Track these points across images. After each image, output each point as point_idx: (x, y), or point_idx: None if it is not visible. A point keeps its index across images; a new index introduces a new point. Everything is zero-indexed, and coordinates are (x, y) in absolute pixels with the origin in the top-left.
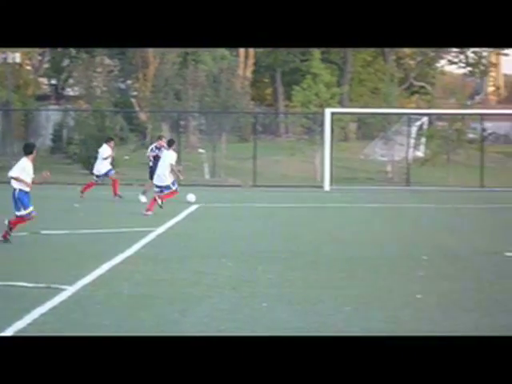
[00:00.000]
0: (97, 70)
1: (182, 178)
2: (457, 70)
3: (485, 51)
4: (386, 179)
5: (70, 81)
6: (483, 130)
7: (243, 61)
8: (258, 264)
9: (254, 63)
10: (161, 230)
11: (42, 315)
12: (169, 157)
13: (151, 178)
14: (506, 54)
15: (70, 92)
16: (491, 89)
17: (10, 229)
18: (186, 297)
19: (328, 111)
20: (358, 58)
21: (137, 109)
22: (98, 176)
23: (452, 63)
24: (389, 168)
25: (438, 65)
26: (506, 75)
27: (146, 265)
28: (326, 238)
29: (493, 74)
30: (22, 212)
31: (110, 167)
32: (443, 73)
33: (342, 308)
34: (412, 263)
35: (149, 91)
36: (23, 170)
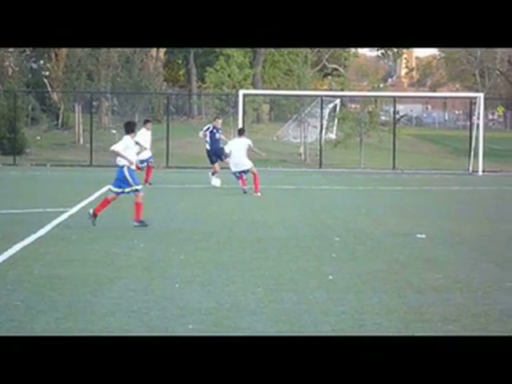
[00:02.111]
0: (8, 50)
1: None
2: (370, 52)
3: None
4: (299, 161)
5: None
6: (395, 112)
7: None
8: (170, 245)
9: None
10: (73, 210)
11: None
12: (245, 144)
13: (212, 161)
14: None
15: None
16: (404, 71)
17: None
18: (98, 278)
19: (241, 92)
20: None
21: (49, 89)
22: (141, 162)
23: None
24: (301, 150)
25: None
26: (418, 58)
27: (57, 245)
28: (238, 219)
29: (405, 56)
30: (131, 187)
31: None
32: (356, 55)
33: (254, 289)
34: (324, 245)
35: (61, 71)
36: (127, 147)
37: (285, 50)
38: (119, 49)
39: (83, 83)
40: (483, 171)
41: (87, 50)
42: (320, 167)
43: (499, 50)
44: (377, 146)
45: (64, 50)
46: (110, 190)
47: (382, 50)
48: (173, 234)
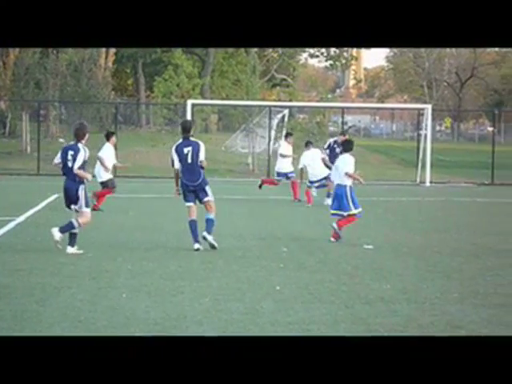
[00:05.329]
0: None
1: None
2: (318, 63)
3: None
4: (247, 171)
5: None
6: (344, 123)
7: (105, 51)
8: (117, 255)
9: (115, 53)
10: (21, 219)
11: None
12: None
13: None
14: (367, 48)
15: None
16: (352, 82)
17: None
18: (45, 287)
19: (189, 102)
20: (219, 49)
21: None
22: (278, 174)
23: (313, 56)
24: (250, 160)
25: (300, 57)
26: (366, 69)
27: (4, 254)
28: (186, 228)
29: (354, 67)
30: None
31: (291, 168)
32: (305, 66)
33: (201, 299)
34: (272, 255)
35: (9, 80)
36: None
37: (233, 61)
38: (67, 57)
39: (31, 92)
40: (431, 182)
41: (35, 58)
42: (268, 177)
43: (447, 62)
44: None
45: (12, 58)
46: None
47: (331, 61)
48: (120, 243)
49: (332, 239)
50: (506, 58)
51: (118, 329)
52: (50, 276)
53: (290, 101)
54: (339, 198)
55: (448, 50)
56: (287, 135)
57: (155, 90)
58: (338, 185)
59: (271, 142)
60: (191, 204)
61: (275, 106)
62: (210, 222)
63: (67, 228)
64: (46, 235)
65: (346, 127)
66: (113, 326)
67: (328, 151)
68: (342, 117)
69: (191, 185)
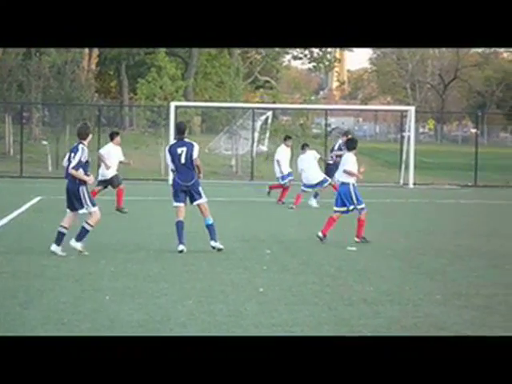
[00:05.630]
0: None
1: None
2: (302, 65)
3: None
4: (231, 173)
5: None
6: (327, 125)
7: (88, 53)
8: (100, 257)
9: (98, 55)
10: (4, 221)
11: None
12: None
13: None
14: (350, 50)
15: None
16: (335, 84)
17: None
18: (28, 290)
19: (173, 104)
20: (203, 51)
21: None
22: (282, 178)
23: (297, 58)
24: (233, 162)
25: (283, 59)
26: (349, 71)
27: None
28: (169, 231)
29: (337, 69)
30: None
31: (289, 169)
32: (288, 68)
33: (184, 301)
34: (256, 257)
35: None
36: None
37: (216, 63)
38: (50, 59)
39: (14, 94)
40: (414, 184)
41: (18, 60)
42: (251, 179)
43: (430, 64)
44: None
45: None
46: None
47: (314, 63)
48: (103, 245)
49: (356, 239)
50: (488, 60)
51: (102, 331)
52: (34, 278)
53: (274, 103)
54: (343, 195)
55: (431, 51)
56: (286, 138)
57: (138, 92)
58: (342, 183)
59: (255, 144)
60: (180, 204)
61: (258, 108)
62: (211, 229)
63: (83, 234)
64: (30, 237)
65: (329, 129)
66: (96, 329)
67: (337, 152)
68: (326, 119)
69: (184, 184)
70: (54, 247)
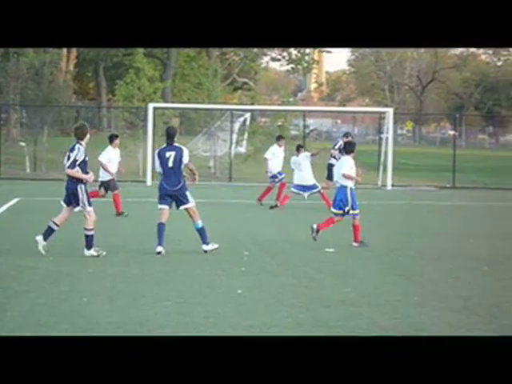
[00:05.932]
0: None
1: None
2: (280, 66)
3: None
4: (209, 175)
5: None
6: (305, 126)
7: (66, 54)
8: (78, 258)
9: (76, 57)
10: None
11: None
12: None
13: (330, 177)
14: (329, 52)
15: None
16: (314, 86)
17: None
18: (5, 291)
19: (151, 106)
20: (181, 53)
21: None
22: (272, 177)
23: (275, 60)
24: (211, 163)
25: (262, 61)
26: (327, 72)
27: None
28: (148, 232)
29: (315, 71)
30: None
31: (280, 168)
32: (266, 69)
33: (163, 302)
34: (234, 259)
35: None
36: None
37: (195, 64)
38: (28, 60)
39: None
40: (392, 185)
41: None
42: (230, 181)
43: (408, 65)
44: (287, 159)
45: None
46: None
47: (293, 65)
48: (81, 247)
49: (354, 244)
50: (466, 62)
51: (80, 333)
52: (11, 280)
53: (252, 104)
54: (339, 198)
55: (409, 53)
56: (279, 138)
57: (117, 94)
58: (340, 185)
59: (233, 146)
60: (165, 207)
61: (237, 110)
62: (202, 232)
63: (89, 241)
64: (7, 239)
65: (307, 131)
66: (74, 330)
67: (338, 152)
68: (304, 120)
69: (171, 189)
70: (39, 238)
